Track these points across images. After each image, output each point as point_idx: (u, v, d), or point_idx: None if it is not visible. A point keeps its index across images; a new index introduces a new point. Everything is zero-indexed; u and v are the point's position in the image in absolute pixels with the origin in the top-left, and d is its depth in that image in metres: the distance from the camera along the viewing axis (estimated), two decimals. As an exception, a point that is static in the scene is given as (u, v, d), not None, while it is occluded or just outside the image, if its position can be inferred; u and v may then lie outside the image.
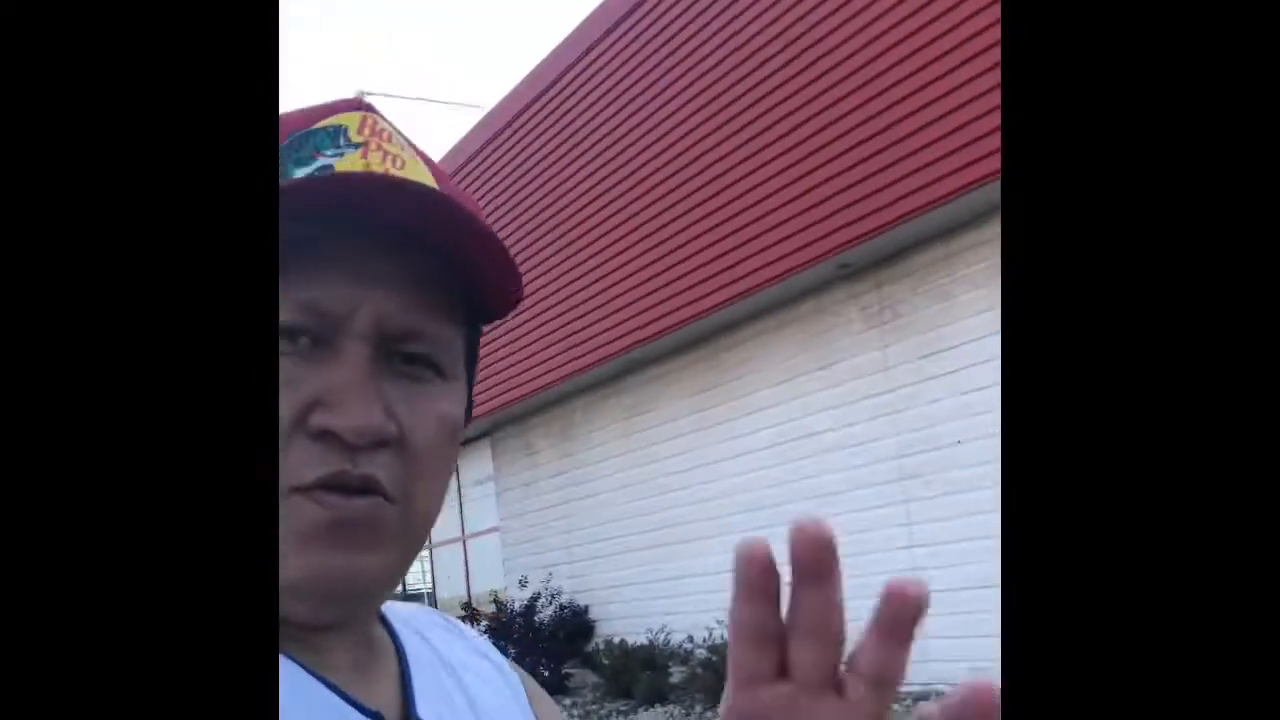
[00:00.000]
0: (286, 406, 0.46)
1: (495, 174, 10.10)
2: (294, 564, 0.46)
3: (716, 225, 7.35)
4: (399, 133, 0.53)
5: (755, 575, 0.36)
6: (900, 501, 6.39)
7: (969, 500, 5.90)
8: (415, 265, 0.49)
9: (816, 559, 0.36)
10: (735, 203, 7.19)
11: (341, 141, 0.50)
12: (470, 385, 0.55)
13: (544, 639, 8.84)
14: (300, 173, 0.48)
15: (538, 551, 9.81)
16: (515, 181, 9.78)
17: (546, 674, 8.57)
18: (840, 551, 0.38)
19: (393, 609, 0.60)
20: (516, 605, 9.22)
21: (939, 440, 6.17)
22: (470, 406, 0.55)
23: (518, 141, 9.81)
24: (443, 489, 0.52)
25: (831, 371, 6.98)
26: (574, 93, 8.99)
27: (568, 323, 8.89)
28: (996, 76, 5.45)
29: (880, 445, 6.56)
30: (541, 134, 9.43)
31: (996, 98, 5.43)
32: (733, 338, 7.82)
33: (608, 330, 8.32)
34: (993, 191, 5.63)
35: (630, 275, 8.10)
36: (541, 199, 9.33)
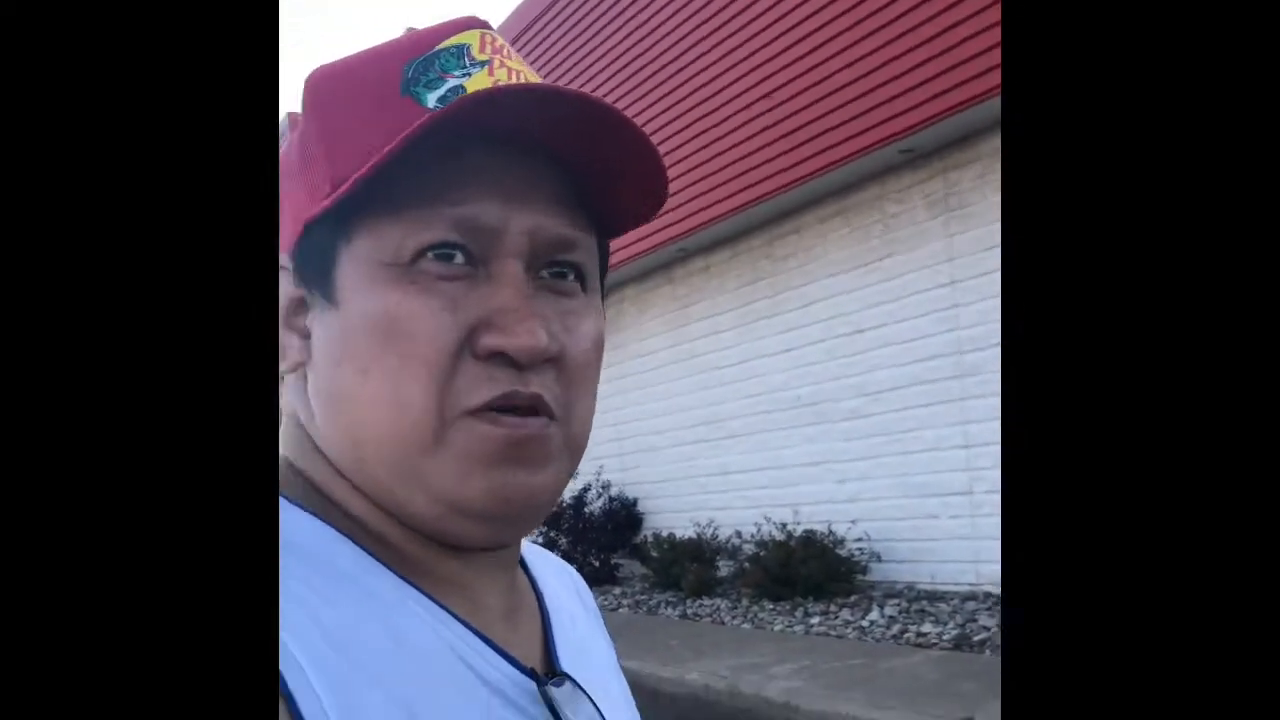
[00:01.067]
0: (450, 330, 0.48)
1: (536, 55, 9.97)
2: (476, 486, 0.49)
3: (773, 108, 7.21)
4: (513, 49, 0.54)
5: None
6: (957, 399, 6.41)
7: (1028, 400, 5.89)
8: (564, 176, 0.51)
9: None
10: (793, 84, 7.02)
11: (466, 61, 0.51)
12: (603, 298, 0.57)
13: (594, 530, 9.10)
14: (432, 96, 0.50)
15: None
16: (562, 62, 9.66)
17: (596, 564, 8.86)
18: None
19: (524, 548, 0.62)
20: (566, 497, 9.49)
21: (999, 337, 6.13)
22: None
23: (562, 22, 9.64)
24: (593, 406, 0.54)
25: (890, 263, 6.92)
26: (625, -39, 8.76)
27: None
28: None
29: (937, 340, 6.54)
30: (589, 12, 9.26)
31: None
32: (788, 226, 7.74)
33: (658, 218, 8.28)
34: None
35: (682, 160, 8.02)
36: (590, 80, 9.22)
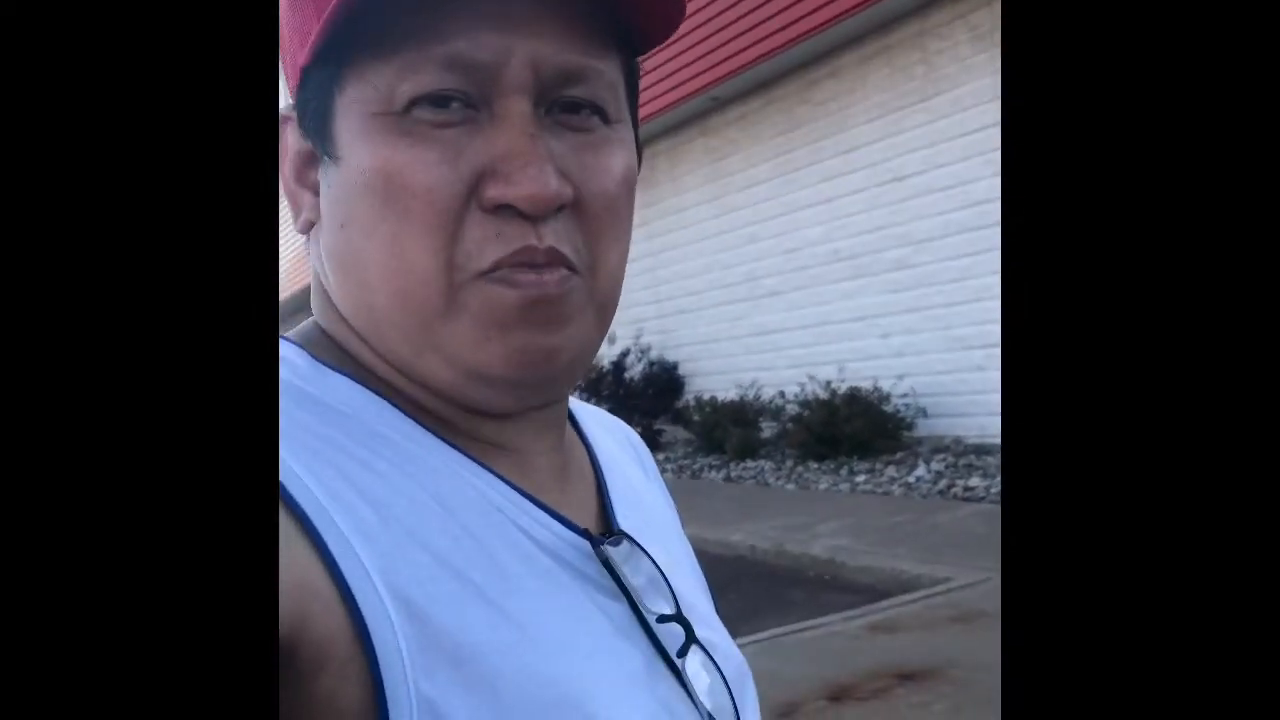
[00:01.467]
0: (450, 183, 0.45)
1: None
2: (493, 351, 0.46)
3: (803, -62, 6.90)
4: None
5: None
6: (999, 248, 6.27)
7: (1080, 243, 5.77)
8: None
9: None
10: (824, -90, 6.70)
11: None
12: (636, 126, 0.53)
13: (634, 396, 9.21)
14: None
15: (625, 306, 9.91)
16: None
17: (639, 431, 8.91)
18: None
19: (574, 405, 0.60)
20: (605, 363, 9.57)
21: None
22: (639, 150, 0.53)
23: None
24: (625, 250, 0.51)
25: (934, 104, 6.69)
26: None
27: (645, 58, 8.62)
28: None
29: (984, 185, 6.37)
30: None
31: None
32: (823, 70, 7.50)
33: (689, 65, 8.06)
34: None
35: (711, 3, 7.75)
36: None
